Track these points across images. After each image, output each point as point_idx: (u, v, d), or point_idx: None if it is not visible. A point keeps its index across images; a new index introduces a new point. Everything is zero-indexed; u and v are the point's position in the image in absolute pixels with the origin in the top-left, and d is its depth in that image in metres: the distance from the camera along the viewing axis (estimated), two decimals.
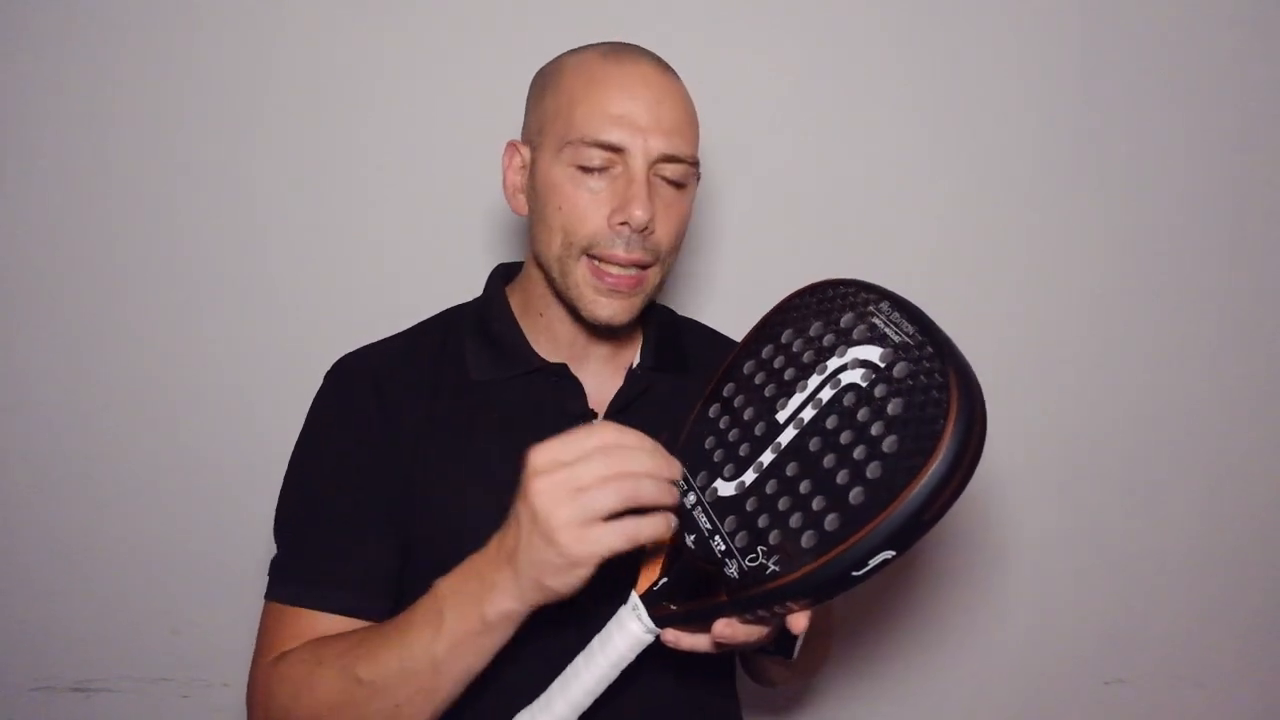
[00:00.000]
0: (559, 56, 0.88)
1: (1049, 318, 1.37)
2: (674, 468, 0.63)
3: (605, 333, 0.89)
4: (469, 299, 0.98)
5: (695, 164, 0.84)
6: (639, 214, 0.79)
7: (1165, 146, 1.35)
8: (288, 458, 0.90)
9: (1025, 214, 1.35)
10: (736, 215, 1.32)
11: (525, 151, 0.87)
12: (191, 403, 1.28)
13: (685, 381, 0.92)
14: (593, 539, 0.61)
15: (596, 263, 0.82)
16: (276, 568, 0.86)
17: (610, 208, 0.81)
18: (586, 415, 0.87)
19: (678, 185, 0.84)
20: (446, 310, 0.98)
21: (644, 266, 0.83)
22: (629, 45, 0.86)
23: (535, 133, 0.86)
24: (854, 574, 0.57)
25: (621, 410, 0.88)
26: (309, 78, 1.25)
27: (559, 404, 0.87)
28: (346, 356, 0.92)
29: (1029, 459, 1.35)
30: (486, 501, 0.82)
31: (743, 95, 1.29)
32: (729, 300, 1.32)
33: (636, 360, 0.92)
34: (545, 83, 0.87)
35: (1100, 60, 1.33)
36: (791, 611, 0.62)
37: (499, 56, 1.24)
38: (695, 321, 1.04)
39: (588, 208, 0.81)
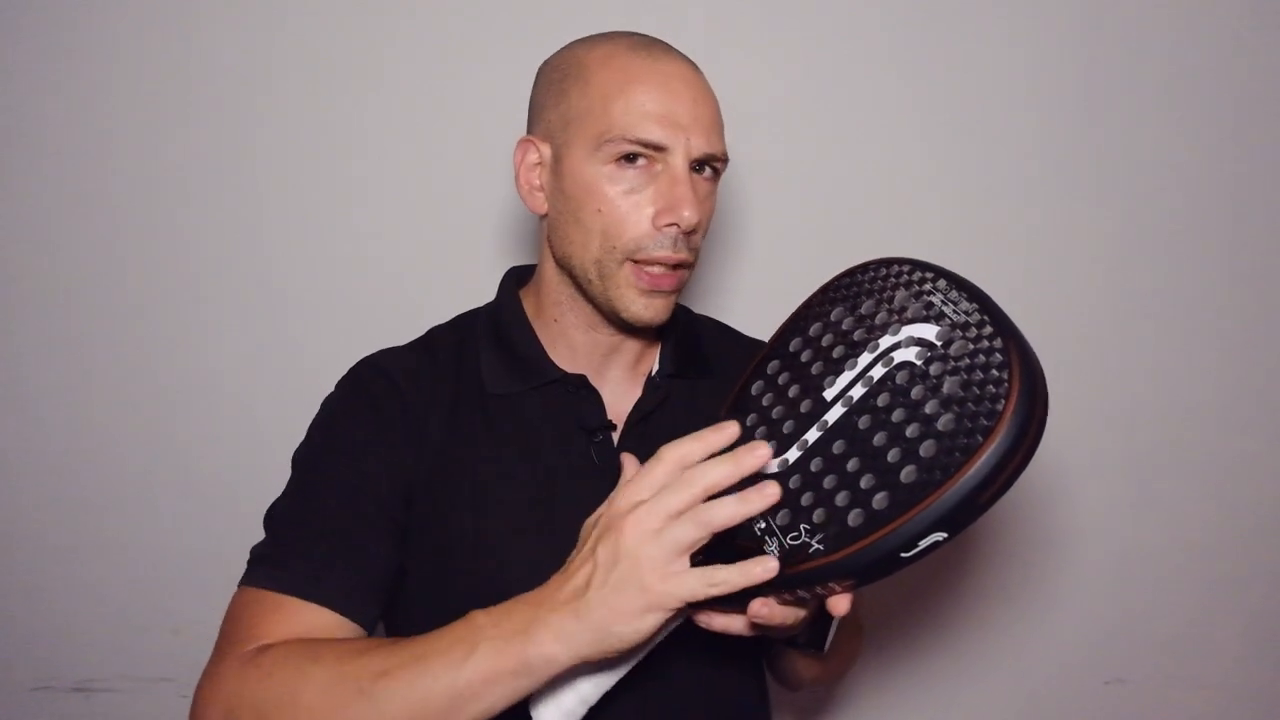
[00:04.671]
0: (572, 49, 0.84)
1: (1048, 318, 1.36)
2: (750, 459, 0.60)
3: (639, 334, 0.87)
4: (475, 301, 0.96)
5: (727, 161, 0.84)
6: (689, 215, 0.77)
7: (1165, 147, 1.35)
8: (289, 458, 0.88)
9: (1025, 214, 1.35)
10: (732, 216, 1.32)
11: (544, 148, 0.83)
12: (192, 402, 1.28)
13: (706, 384, 0.91)
14: (677, 580, 0.59)
15: (639, 265, 0.80)
16: (263, 555, 0.80)
17: (654, 209, 0.78)
18: (605, 427, 0.85)
19: (711, 180, 0.83)
20: (460, 316, 0.95)
21: (686, 266, 0.81)
22: (654, 39, 0.84)
23: (559, 129, 0.82)
24: (902, 555, 0.56)
25: (641, 420, 0.86)
26: (312, 76, 1.24)
27: (577, 417, 0.85)
28: (370, 358, 0.89)
29: None
30: (503, 518, 0.81)
31: (740, 94, 1.29)
32: (729, 300, 1.32)
33: (655, 367, 0.90)
34: (567, 77, 0.82)
35: (1100, 61, 1.33)
36: (834, 593, 0.61)
37: (503, 55, 1.24)
38: (710, 319, 1.02)
39: (630, 210, 0.79)
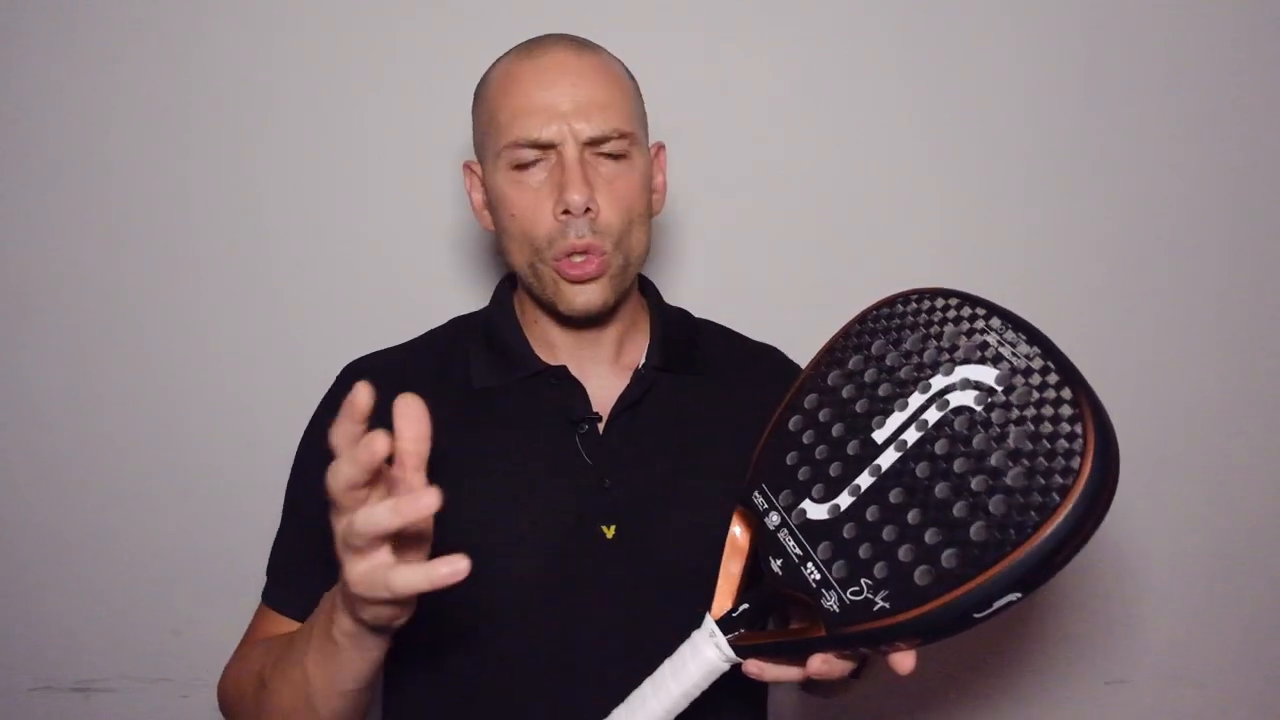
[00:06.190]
0: (488, 69, 0.88)
1: (1047, 318, 1.36)
2: (412, 507, 0.53)
3: (589, 323, 0.88)
4: (475, 301, 0.99)
5: (630, 135, 0.83)
6: (575, 198, 0.79)
7: (1166, 147, 1.35)
8: (288, 458, 0.91)
9: (1025, 214, 1.35)
10: (733, 215, 1.32)
11: (478, 168, 0.89)
12: (192, 402, 1.28)
13: (695, 381, 0.92)
14: (366, 578, 0.56)
15: (560, 261, 0.82)
16: (269, 568, 0.90)
17: (552, 200, 0.81)
18: (590, 418, 0.86)
19: (617, 158, 0.83)
20: (454, 319, 0.98)
21: (600, 252, 0.82)
22: (546, 36, 0.86)
23: (479, 147, 0.87)
24: (975, 616, 0.54)
25: (626, 411, 0.87)
26: (312, 76, 1.24)
27: (562, 407, 0.87)
28: (354, 362, 0.93)
29: None
30: (489, 509, 0.82)
31: (740, 94, 1.29)
32: (730, 299, 1.32)
33: (642, 360, 0.91)
34: (477, 96, 0.88)
35: (1100, 60, 1.33)
36: (899, 650, 0.58)
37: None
38: (714, 323, 1.02)
39: (534, 207, 0.81)
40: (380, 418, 0.83)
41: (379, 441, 0.52)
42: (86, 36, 1.21)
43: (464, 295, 1.27)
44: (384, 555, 0.56)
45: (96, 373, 1.27)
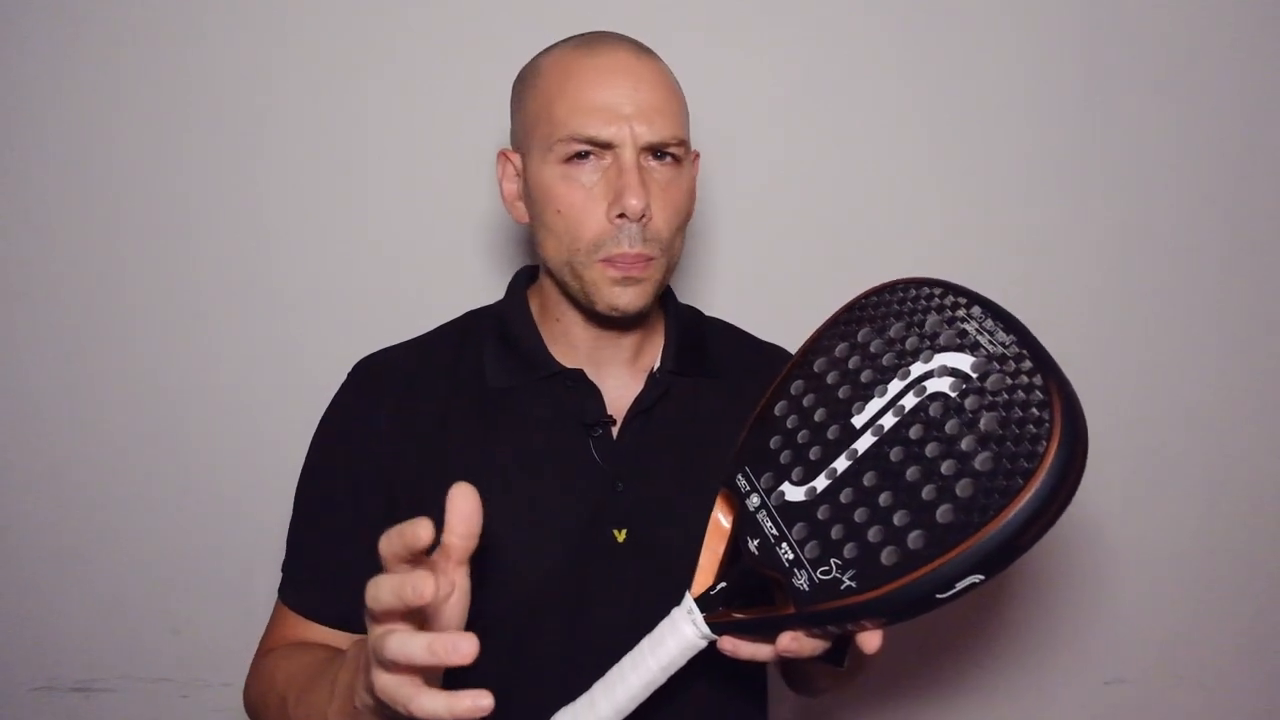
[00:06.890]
0: (533, 58, 0.86)
1: (1047, 318, 1.36)
2: (450, 654, 0.52)
3: (621, 324, 0.87)
4: (476, 300, 0.97)
5: (685, 143, 0.83)
6: (634, 203, 0.78)
7: (1165, 147, 1.35)
8: (289, 457, 0.90)
9: (1025, 214, 1.35)
10: (733, 215, 1.32)
11: (516, 159, 0.86)
12: (192, 403, 1.28)
13: (709, 384, 0.91)
14: (389, 690, 0.56)
15: (607, 261, 0.81)
16: (283, 566, 0.89)
17: (606, 202, 0.79)
18: (604, 422, 0.86)
19: (670, 165, 0.82)
20: (466, 313, 0.96)
21: (650, 257, 0.81)
22: (604, 33, 0.85)
23: (522, 137, 0.85)
24: (938, 596, 0.55)
25: (640, 415, 0.87)
26: (312, 75, 1.24)
27: (577, 410, 0.86)
28: (367, 358, 0.92)
29: None
30: (501, 510, 0.82)
31: (740, 94, 1.29)
32: (730, 299, 1.32)
33: (657, 364, 0.90)
34: (524, 85, 0.86)
35: (1100, 61, 1.33)
36: (865, 629, 0.60)
37: (506, 53, 1.24)
38: (723, 322, 1.02)
39: (585, 207, 0.80)
40: (393, 414, 0.85)
41: (427, 587, 0.51)
42: (86, 36, 1.21)
43: (465, 294, 1.26)
44: (412, 675, 0.56)
45: (96, 373, 1.27)
